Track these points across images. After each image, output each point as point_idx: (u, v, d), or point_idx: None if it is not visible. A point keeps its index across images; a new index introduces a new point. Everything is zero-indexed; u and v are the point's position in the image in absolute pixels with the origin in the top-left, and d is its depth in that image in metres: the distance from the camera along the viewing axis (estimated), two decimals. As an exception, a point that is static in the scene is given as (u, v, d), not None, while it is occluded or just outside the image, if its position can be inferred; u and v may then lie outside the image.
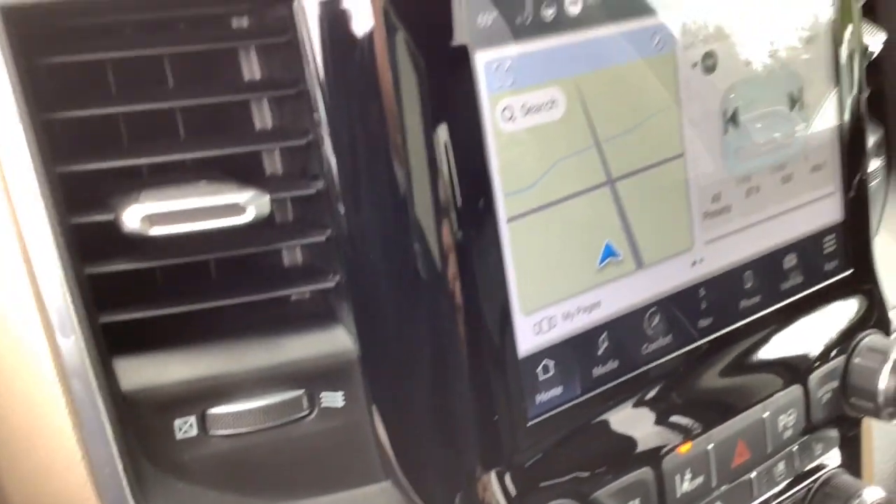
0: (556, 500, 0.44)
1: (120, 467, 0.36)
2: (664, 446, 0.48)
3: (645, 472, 0.47)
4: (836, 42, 0.54)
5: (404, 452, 0.42)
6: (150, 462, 0.38)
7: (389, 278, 0.40)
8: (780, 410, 0.53)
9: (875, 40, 0.63)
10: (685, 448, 0.49)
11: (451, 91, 0.39)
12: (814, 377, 0.54)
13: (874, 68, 0.67)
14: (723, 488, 0.52)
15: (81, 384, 0.36)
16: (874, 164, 0.66)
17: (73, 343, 0.35)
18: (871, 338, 0.57)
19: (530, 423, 0.43)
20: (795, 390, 0.53)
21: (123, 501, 0.36)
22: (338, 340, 0.41)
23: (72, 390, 0.36)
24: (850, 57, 0.55)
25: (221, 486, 0.39)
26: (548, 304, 0.43)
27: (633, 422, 0.47)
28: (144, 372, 0.38)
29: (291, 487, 0.40)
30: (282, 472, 0.40)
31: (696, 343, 0.49)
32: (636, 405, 0.47)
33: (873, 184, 0.68)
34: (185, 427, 0.39)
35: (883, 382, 0.55)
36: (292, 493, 0.40)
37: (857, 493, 0.57)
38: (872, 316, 0.58)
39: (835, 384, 0.56)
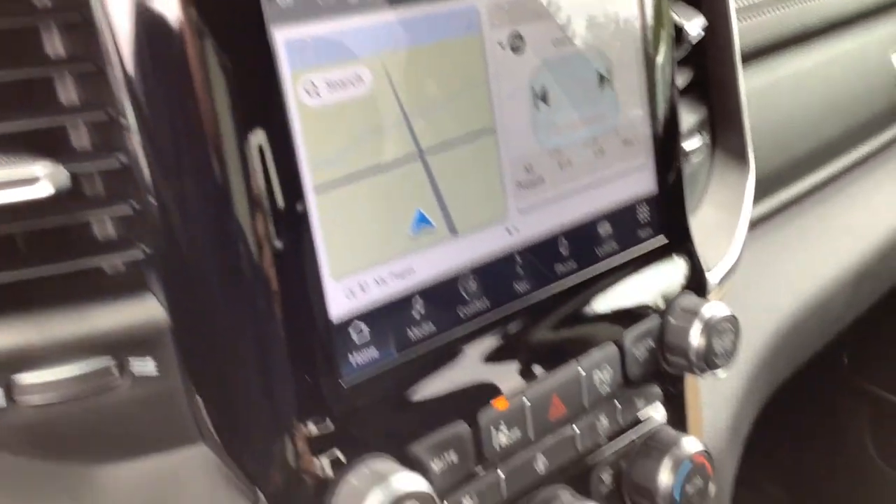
0: (372, 455, 0.46)
1: None
2: (480, 402, 0.51)
3: (460, 426, 0.50)
4: (645, 25, 0.58)
5: (218, 416, 0.44)
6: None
7: (197, 248, 0.42)
8: (595, 366, 0.56)
9: (693, 24, 0.67)
10: (501, 403, 0.52)
11: (253, 67, 0.41)
12: (629, 335, 0.59)
13: (698, 50, 0.72)
14: (545, 442, 0.56)
15: None
16: (698, 143, 0.71)
17: None
18: (685, 299, 0.62)
19: (345, 384, 0.45)
20: (610, 347, 0.57)
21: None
22: (149, 309, 0.42)
23: None
24: (659, 39, 0.59)
25: (30, 455, 0.40)
26: (359, 270, 0.46)
27: (448, 380, 0.50)
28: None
29: (103, 453, 0.42)
30: (93, 439, 0.42)
31: (513, 306, 0.53)
32: (452, 365, 0.50)
33: (697, 160, 0.73)
34: (-7, 397, 0.40)
35: (694, 340, 0.60)
36: (104, 458, 0.42)
37: (677, 443, 0.61)
38: (688, 279, 0.63)
39: (650, 342, 0.60)
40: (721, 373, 0.61)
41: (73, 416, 0.41)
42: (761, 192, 0.93)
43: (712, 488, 0.63)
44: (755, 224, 0.92)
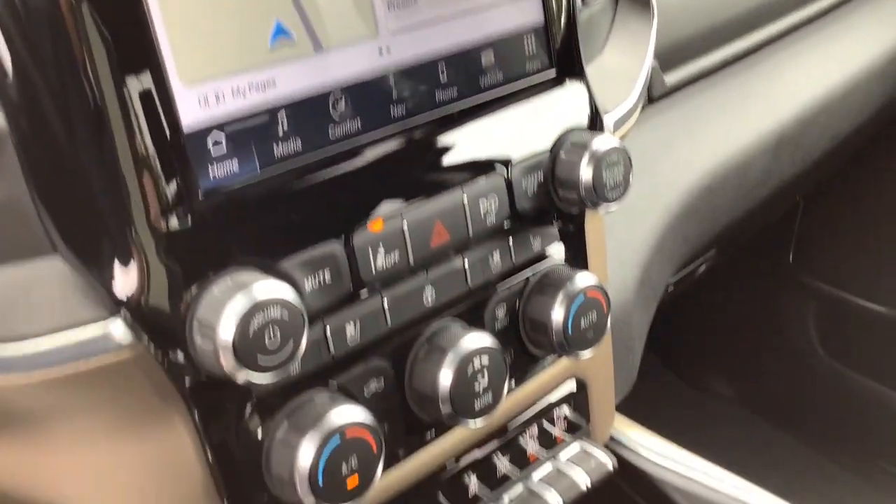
0: (236, 268, 0.46)
1: None
2: (354, 223, 0.50)
3: (333, 246, 0.49)
4: None
5: (68, 229, 0.43)
6: None
7: (33, 50, 0.40)
8: (480, 195, 0.56)
9: None
10: (377, 225, 0.51)
11: None
12: (517, 168, 0.58)
13: None
14: (432, 274, 0.55)
15: None
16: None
17: None
18: (576, 133, 0.61)
19: (203, 197, 0.45)
20: (496, 177, 0.57)
21: None
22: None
23: None
24: None
25: None
26: (213, 78, 0.44)
27: (317, 199, 0.49)
28: None
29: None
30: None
31: (388, 129, 0.52)
32: (322, 184, 0.49)
33: (600, 5, 0.72)
34: None
35: (584, 173, 0.59)
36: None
37: (571, 278, 0.61)
38: (580, 116, 0.62)
39: (540, 176, 0.59)
40: (613, 206, 0.61)
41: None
42: (680, 58, 0.92)
43: (608, 325, 0.63)
44: (674, 90, 0.92)
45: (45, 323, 0.42)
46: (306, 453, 0.48)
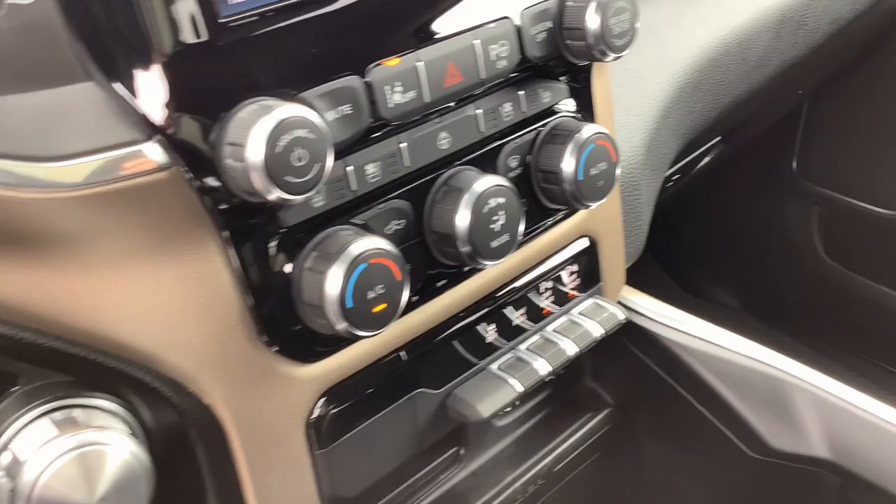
0: (262, 95, 0.47)
1: None
2: (370, 59, 0.52)
3: (352, 79, 0.51)
4: None
5: (100, 53, 0.45)
6: None
7: None
8: (491, 40, 0.57)
9: None
10: (393, 62, 0.53)
11: None
12: (526, 13, 0.59)
13: None
14: (446, 119, 0.57)
15: None
16: None
17: None
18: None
19: (225, 19, 0.46)
20: (506, 23, 0.58)
21: None
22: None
23: None
24: None
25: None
26: None
27: (336, 33, 0.51)
28: None
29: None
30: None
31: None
32: (340, 17, 0.51)
33: None
34: None
35: (591, 21, 0.61)
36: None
37: (580, 129, 0.63)
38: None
39: (549, 24, 0.61)
40: (623, 51, 0.62)
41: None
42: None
43: (617, 174, 0.65)
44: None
45: (84, 144, 0.44)
46: (335, 279, 0.50)
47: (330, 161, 0.47)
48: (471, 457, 0.80)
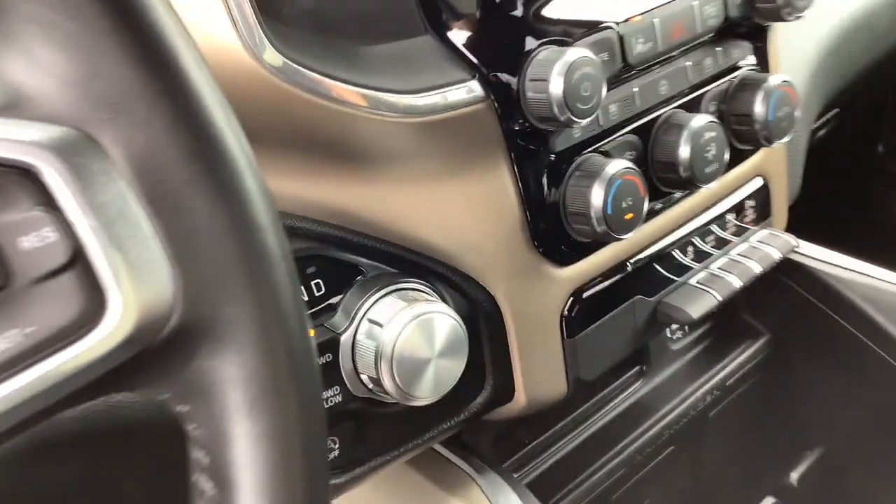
0: (547, 45, 0.61)
1: None
2: (621, 17, 0.65)
3: (610, 32, 0.65)
4: None
5: (435, 16, 0.59)
6: None
7: None
8: (705, 3, 0.70)
9: None
10: (637, 18, 0.66)
11: None
12: (727, -16, 0.72)
13: None
14: (667, 67, 0.70)
15: None
16: None
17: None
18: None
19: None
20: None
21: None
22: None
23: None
24: None
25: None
26: None
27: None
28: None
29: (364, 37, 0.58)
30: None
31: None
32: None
33: None
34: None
35: (777, -11, 0.73)
36: (363, 42, 0.57)
37: (766, 80, 0.76)
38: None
39: (744, -10, 0.74)
40: (804, 13, 0.75)
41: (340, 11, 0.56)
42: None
43: (797, 114, 0.77)
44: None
45: (426, 82, 0.59)
46: (598, 192, 0.63)
47: (604, 91, 0.61)
48: (652, 375, 0.92)
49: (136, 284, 0.30)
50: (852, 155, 1.96)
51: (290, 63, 0.54)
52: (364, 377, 0.59)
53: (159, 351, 0.31)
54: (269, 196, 0.34)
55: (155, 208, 0.31)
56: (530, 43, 0.61)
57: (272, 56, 0.53)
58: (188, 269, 0.31)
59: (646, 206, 0.66)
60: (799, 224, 0.94)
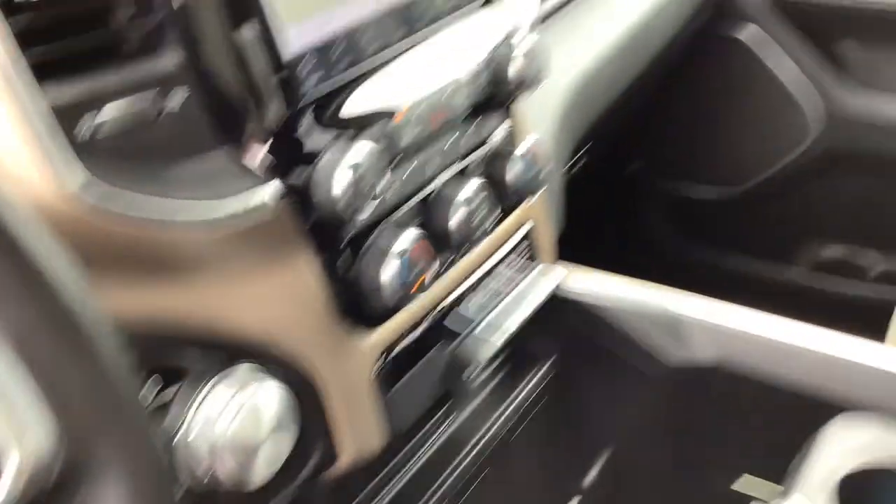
0: (329, 143, 0.69)
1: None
2: (391, 114, 0.75)
3: (382, 128, 0.74)
4: None
5: (229, 130, 0.65)
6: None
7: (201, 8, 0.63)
8: (457, 89, 0.81)
9: None
10: (402, 115, 0.76)
11: None
12: (474, 67, 0.83)
13: None
14: (433, 146, 0.81)
15: None
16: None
17: None
18: (506, 39, 0.87)
19: (304, 98, 0.68)
20: (465, 77, 0.82)
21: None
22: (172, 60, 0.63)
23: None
24: None
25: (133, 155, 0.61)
26: (303, 19, 0.67)
27: (368, 99, 0.73)
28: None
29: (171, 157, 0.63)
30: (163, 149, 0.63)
31: (397, 47, 0.77)
32: (370, 89, 0.73)
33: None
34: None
35: (518, 63, 0.86)
36: (171, 162, 0.63)
37: (518, 144, 0.88)
38: (506, 27, 0.89)
39: (489, 72, 0.84)
40: (537, 87, 0.88)
41: (141, 136, 0.61)
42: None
43: (548, 168, 0.91)
44: (546, 17, 1.21)
45: (226, 192, 0.65)
46: (391, 265, 0.73)
47: (385, 179, 0.70)
48: (460, 410, 1.03)
49: (25, 442, 0.35)
50: (612, 176, 2.20)
51: (97, 184, 0.58)
52: (200, 472, 0.64)
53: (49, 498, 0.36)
54: (118, 348, 0.40)
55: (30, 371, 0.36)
56: (316, 144, 0.69)
57: (80, 179, 0.57)
58: (65, 422, 0.36)
59: (435, 267, 0.76)
60: (572, 249, 1.09)
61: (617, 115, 1.44)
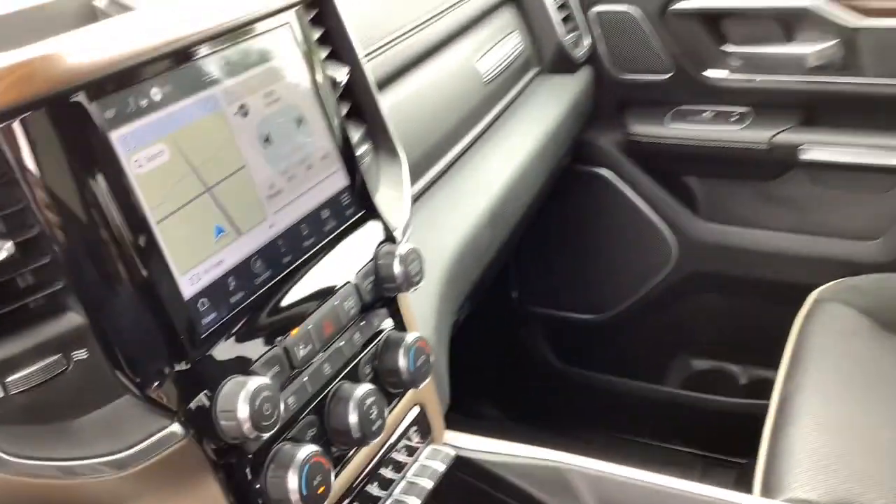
0: (234, 376, 0.75)
1: None
2: (285, 332, 0.81)
3: (277, 349, 0.80)
4: (315, 81, 0.91)
5: (130, 374, 0.70)
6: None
7: (94, 276, 0.68)
8: (343, 299, 0.89)
9: (341, 73, 1.02)
10: (295, 331, 0.82)
11: (104, 157, 0.68)
12: (358, 276, 0.91)
13: (349, 87, 1.06)
14: (325, 353, 0.87)
15: None
16: (365, 148, 1.06)
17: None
18: (385, 247, 0.96)
19: (202, 337, 0.73)
20: (349, 286, 0.90)
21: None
22: (73, 320, 0.67)
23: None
24: (325, 89, 0.93)
25: (26, 421, 0.64)
26: (194, 266, 0.74)
27: (262, 324, 0.79)
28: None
29: (69, 412, 0.67)
30: (61, 405, 0.66)
31: (285, 271, 0.83)
32: (264, 314, 0.80)
33: (368, 159, 1.08)
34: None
35: (397, 270, 0.94)
36: (70, 416, 0.66)
37: (405, 338, 0.96)
38: (384, 235, 0.97)
39: (372, 278, 0.93)
40: (420, 285, 0.96)
41: (50, 391, 0.65)
42: (418, 171, 1.32)
43: (433, 359, 0.98)
44: (420, 194, 1.30)
45: (133, 436, 0.69)
46: (292, 480, 0.77)
47: (283, 402, 0.75)
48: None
49: None
50: (491, 306, 2.30)
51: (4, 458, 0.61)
52: None
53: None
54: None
55: None
56: (216, 378, 0.74)
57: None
58: None
59: (333, 474, 0.81)
60: (470, 380, 1.15)
61: (495, 263, 1.55)
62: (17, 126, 0.64)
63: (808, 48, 1.82)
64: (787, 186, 2.03)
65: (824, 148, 1.87)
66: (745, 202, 2.09)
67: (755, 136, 1.93)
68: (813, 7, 1.77)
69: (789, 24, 1.84)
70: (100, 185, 0.68)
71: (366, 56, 1.17)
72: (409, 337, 0.96)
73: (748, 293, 2.15)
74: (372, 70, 1.11)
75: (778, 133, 1.91)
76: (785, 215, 2.04)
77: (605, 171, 2.13)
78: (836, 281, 1.68)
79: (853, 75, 1.82)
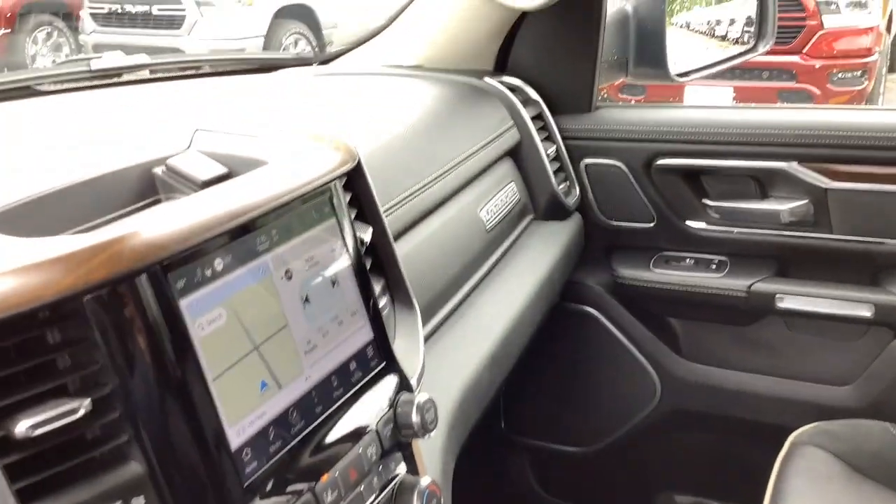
0: None
1: None
2: (316, 477, 0.88)
3: (308, 496, 0.87)
4: (347, 245, 1.01)
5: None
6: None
7: (159, 427, 0.75)
8: (366, 446, 0.96)
9: (367, 234, 1.12)
10: (325, 478, 0.89)
11: (172, 322, 0.77)
12: (379, 424, 0.99)
13: (371, 245, 1.16)
14: (347, 499, 0.94)
15: None
16: (384, 301, 1.15)
17: None
18: (404, 395, 1.04)
19: (245, 486, 0.81)
20: (372, 433, 0.98)
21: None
22: (134, 469, 0.75)
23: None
24: (356, 253, 1.03)
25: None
26: (241, 418, 0.82)
27: (296, 472, 0.87)
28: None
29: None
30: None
31: (317, 421, 0.91)
32: (298, 462, 0.87)
33: (387, 311, 1.17)
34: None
35: (415, 418, 1.02)
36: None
37: (418, 483, 1.03)
38: (401, 383, 1.06)
39: (391, 425, 1.01)
40: (433, 432, 1.04)
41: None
42: (426, 316, 1.41)
43: (443, 502, 1.05)
44: (431, 334, 1.40)
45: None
46: None
47: None
48: None
49: None
50: (478, 436, 2.36)
51: None
52: None
53: None
54: None
55: None
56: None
57: None
58: None
59: None
60: None
61: (492, 402, 1.63)
62: (102, 297, 0.73)
63: (782, 205, 1.97)
64: (764, 332, 2.14)
65: (798, 298, 2.00)
66: (726, 345, 2.19)
67: (734, 283, 2.05)
68: (787, 168, 1.93)
69: (764, 182, 2.00)
70: (167, 347, 0.76)
71: (385, 212, 1.28)
72: (423, 481, 1.03)
73: (730, 432, 2.23)
74: (389, 224, 1.22)
75: (756, 282, 2.03)
76: (763, 359, 2.15)
77: (592, 310, 2.23)
78: (812, 425, 1.77)
79: (823, 232, 1.96)
